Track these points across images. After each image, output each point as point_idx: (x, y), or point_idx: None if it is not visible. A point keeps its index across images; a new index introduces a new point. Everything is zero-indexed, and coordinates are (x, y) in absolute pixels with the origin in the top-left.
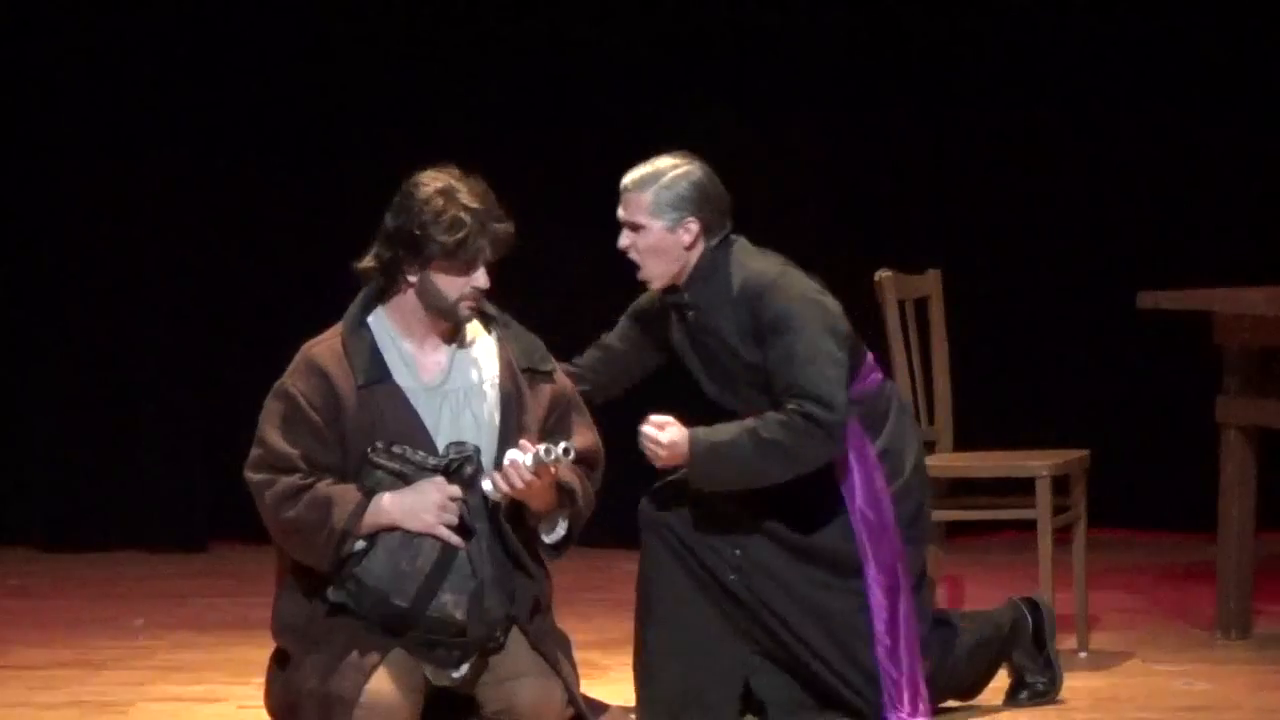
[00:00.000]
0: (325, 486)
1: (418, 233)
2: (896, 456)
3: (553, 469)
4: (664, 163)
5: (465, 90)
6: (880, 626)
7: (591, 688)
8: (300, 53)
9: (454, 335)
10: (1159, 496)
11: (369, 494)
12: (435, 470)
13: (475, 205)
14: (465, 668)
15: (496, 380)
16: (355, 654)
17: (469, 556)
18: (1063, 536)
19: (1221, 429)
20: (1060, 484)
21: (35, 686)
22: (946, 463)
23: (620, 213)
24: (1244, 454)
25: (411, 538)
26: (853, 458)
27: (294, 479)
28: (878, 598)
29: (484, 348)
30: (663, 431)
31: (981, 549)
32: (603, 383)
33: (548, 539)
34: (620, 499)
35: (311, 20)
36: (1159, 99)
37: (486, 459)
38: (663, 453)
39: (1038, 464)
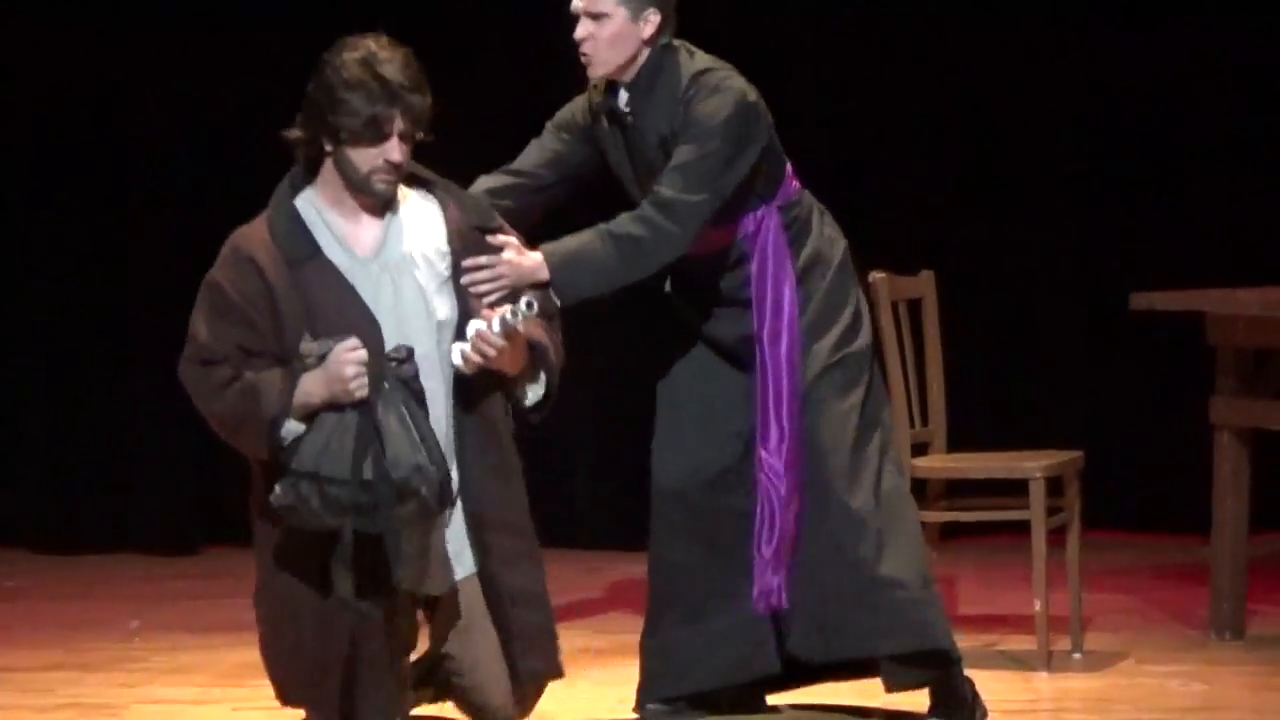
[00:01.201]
0: (252, 376)
1: (327, 101)
2: (822, 263)
3: (520, 329)
4: None
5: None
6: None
7: (589, 688)
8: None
9: (387, 207)
10: (1153, 497)
11: (296, 376)
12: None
13: (390, 75)
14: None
15: (444, 244)
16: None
17: (386, 412)
18: (1056, 538)
19: (1215, 430)
20: (1054, 485)
21: (29, 689)
22: (940, 464)
23: (577, 3)
24: (1238, 455)
25: (342, 415)
26: (770, 271)
27: (225, 371)
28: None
29: (424, 215)
30: (507, 253)
31: (976, 550)
32: (526, 201)
33: (528, 401)
34: (619, 500)
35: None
36: (1150, 99)
37: (437, 329)
38: (504, 268)
39: (1031, 465)
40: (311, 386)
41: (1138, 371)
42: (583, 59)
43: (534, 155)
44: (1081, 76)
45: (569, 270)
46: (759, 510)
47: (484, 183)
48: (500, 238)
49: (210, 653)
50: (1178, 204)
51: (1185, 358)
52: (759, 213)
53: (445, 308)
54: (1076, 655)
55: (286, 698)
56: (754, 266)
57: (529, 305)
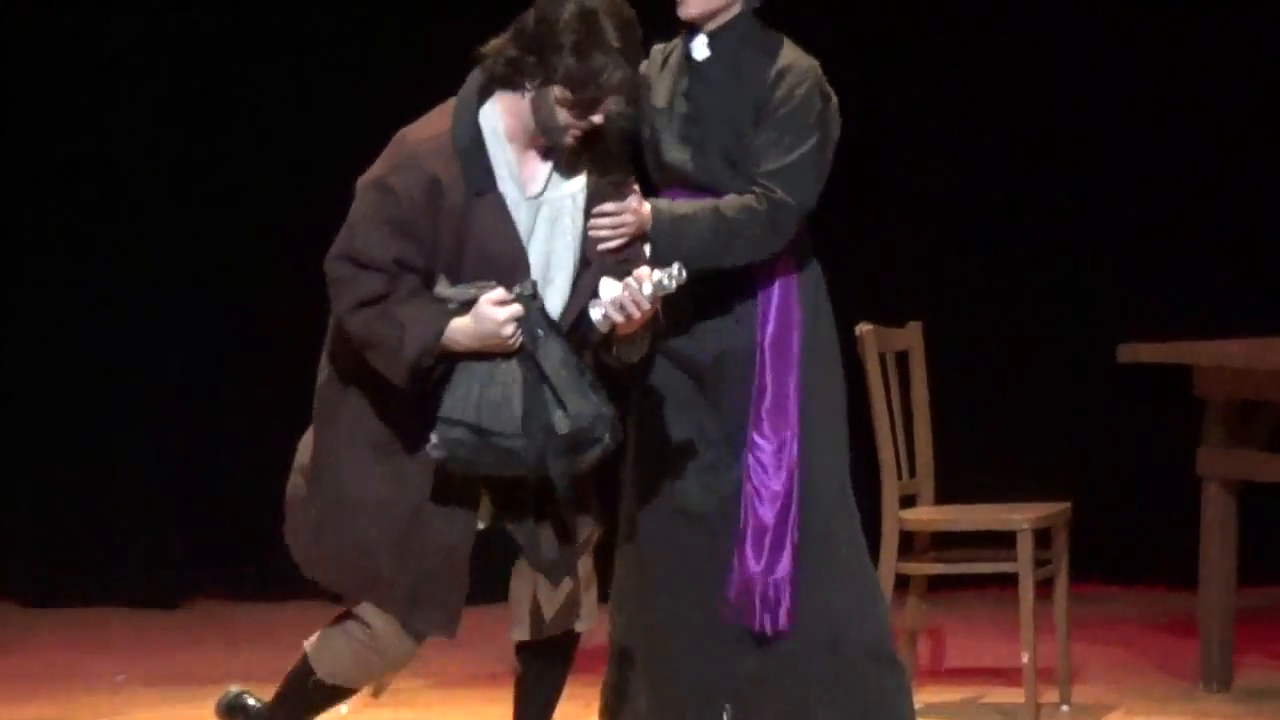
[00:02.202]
0: (400, 305)
1: (553, 49)
2: (820, 289)
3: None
4: None
5: None
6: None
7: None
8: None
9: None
10: (1141, 549)
11: (445, 320)
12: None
13: (615, 44)
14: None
15: (584, 192)
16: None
17: (542, 371)
18: (1044, 589)
19: (1203, 481)
20: (1042, 537)
21: None
22: (928, 516)
23: None
24: (1225, 506)
25: (494, 365)
26: (777, 284)
27: (376, 282)
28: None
29: (574, 157)
30: (631, 200)
31: (964, 602)
32: None
33: (630, 359)
34: None
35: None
36: (1135, 153)
37: (567, 272)
38: (630, 219)
39: (1019, 517)
40: (460, 335)
41: (1125, 423)
42: None
43: None
44: (1068, 131)
45: (671, 235)
46: (743, 517)
47: None
48: (621, 202)
49: (197, 705)
50: (1165, 256)
51: (1172, 409)
52: None
53: (576, 255)
54: (1064, 708)
55: (340, 588)
56: (758, 272)
57: (681, 272)
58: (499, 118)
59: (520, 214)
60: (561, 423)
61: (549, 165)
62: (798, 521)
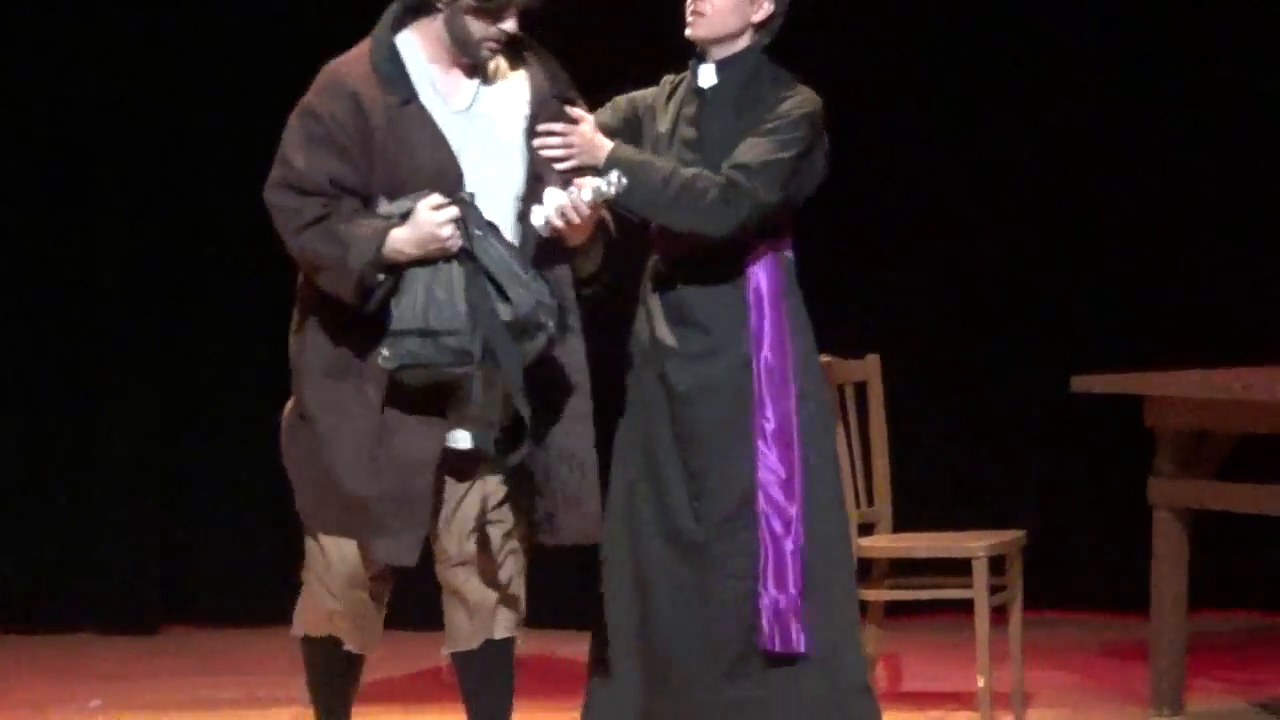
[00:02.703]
0: (343, 223)
1: None
2: (801, 306)
3: (606, 201)
4: None
5: None
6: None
7: None
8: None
9: (475, 59)
10: (1093, 576)
11: (385, 231)
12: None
13: None
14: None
15: (526, 108)
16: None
17: (483, 266)
18: (999, 616)
19: (1154, 510)
20: (996, 564)
21: None
22: (885, 544)
23: None
24: (1176, 534)
25: (435, 269)
26: (768, 305)
27: (315, 206)
28: (771, 461)
29: (513, 75)
30: (582, 123)
31: (920, 628)
32: None
33: (585, 273)
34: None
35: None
36: (1087, 190)
37: (512, 186)
38: (574, 139)
39: (974, 545)
40: (400, 244)
41: (1078, 453)
42: (689, 16)
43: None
44: (1022, 168)
45: (627, 174)
46: (762, 543)
47: None
48: (576, 111)
49: None
50: (1117, 290)
51: (1124, 439)
52: (760, 251)
53: (521, 168)
54: None
55: (321, 526)
56: (751, 293)
57: (619, 179)
58: (417, 41)
59: (449, 128)
60: (505, 311)
61: (476, 82)
62: (805, 545)
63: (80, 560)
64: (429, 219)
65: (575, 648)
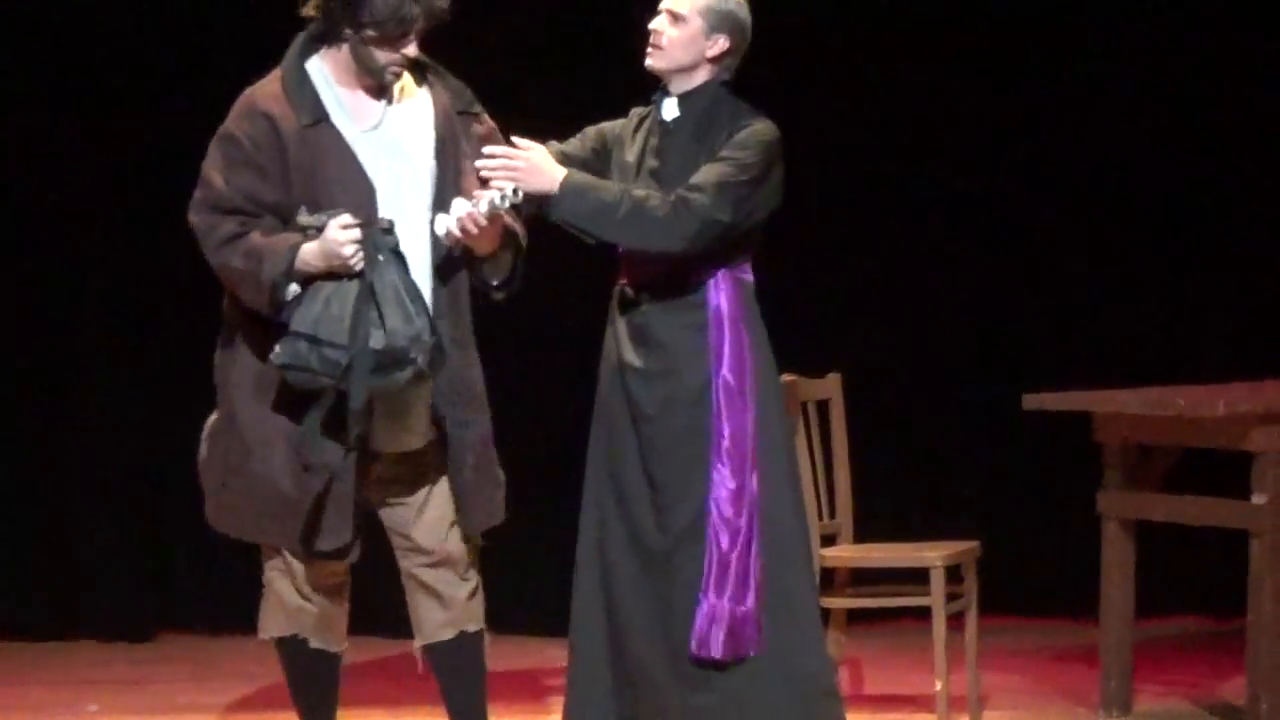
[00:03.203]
0: (259, 237)
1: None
2: (760, 325)
3: (504, 213)
4: None
5: None
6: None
7: None
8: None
9: (381, 81)
10: (1045, 584)
11: (296, 246)
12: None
13: None
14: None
15: (432, 124)
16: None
17: (376, 288)
18: (956, 622)
19: (1102, 520)
20: (953, 573)
21: None
22: (847, 554)
23: (667, 0)
24: (1123, 544)
25: (339, 284)
26: (727, 326)
27: (232, 224)
28: (724, 480)
29: (417, 95)
30: (528, 150)
31: (880, 635)
32: None
33: (495, 280)
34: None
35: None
36: (1039, 218)
37: (423, 199)
38: (520, 164)
39: (932, 555)
40: (310, 257)
41: (1030, 467)
42: (649, 48)
43: (567, 148)
44: (977, 197)
45: (576, 197)
46: (707, 555)
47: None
48: (524, 141)
49: None
50: (1066, 312)
51: (1074, 454)
52: (719, 275)
53: (430, 182)
54: None
55: (241, 532)
56: (711, 315)
57: (515, 192)
58: (325, 66)
59: (359, 146)
60: (377, 338)
61: (383, 102)
62: (760, 556)
63: (75, 569)
64: (335, 236)
65: (555, 655)
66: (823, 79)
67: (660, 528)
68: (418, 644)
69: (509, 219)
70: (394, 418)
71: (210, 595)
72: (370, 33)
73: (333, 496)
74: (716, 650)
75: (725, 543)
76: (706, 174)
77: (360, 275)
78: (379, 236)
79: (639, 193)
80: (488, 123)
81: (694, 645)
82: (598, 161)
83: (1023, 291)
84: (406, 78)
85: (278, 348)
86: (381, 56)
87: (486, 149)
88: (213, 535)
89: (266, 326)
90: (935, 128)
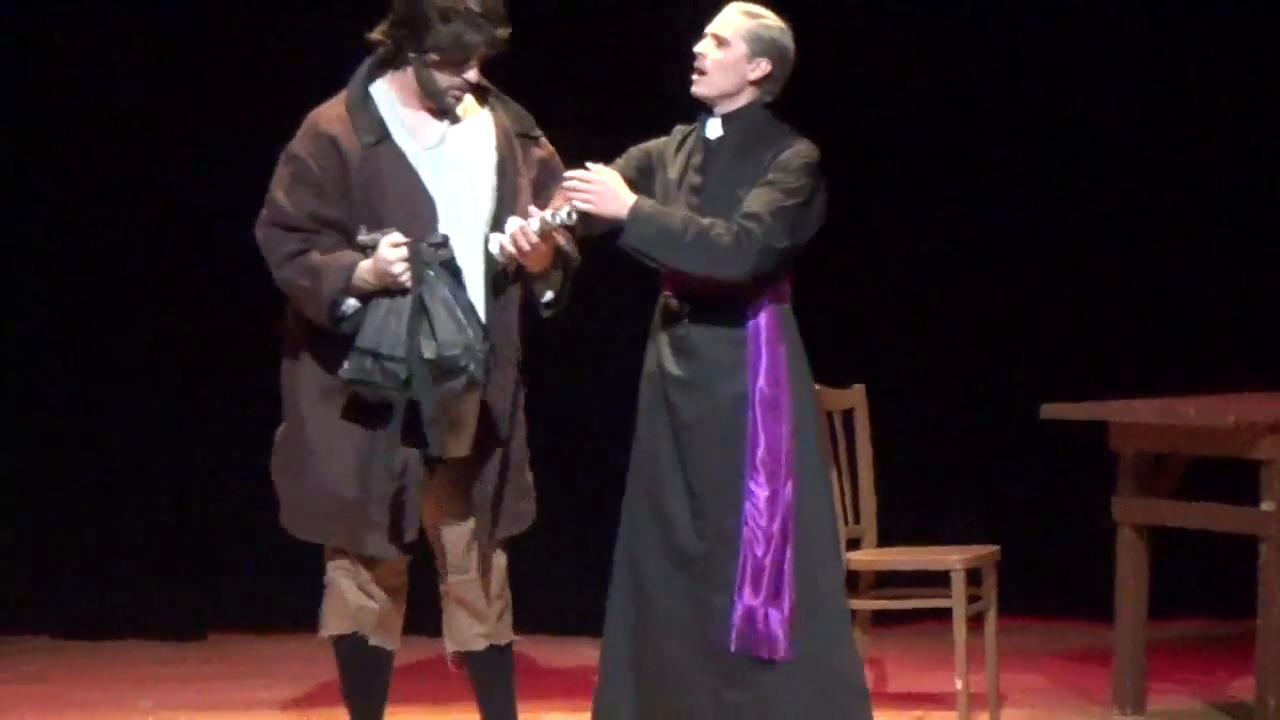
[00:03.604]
0: (319, 255)
1: (421, 23)
2: (797, 338)
3: (555, 232)
4: (772, 16)
5: None
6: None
7: None
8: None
9: (444, 103)
10: (1062, 587)
11: (353, 264)
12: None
13: (477, 8)
14: (467, 380)
15: (492, 144)
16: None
17: (428, 304)
18: (976, 623)
19: (1117, 527)
20: (973, 576)
21: None
22: (871, 557)
23: (713, 26)
24: (1137, 549)
25: (394, 300)
26: (764, 341)
27: (295, 241)
28: (759, 488)
29: (478, 116)
30: (602, 175)
31: (903, 635)
32: None
33: (544, 297)
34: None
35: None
36: (1054, 233)
37: (482, 215)
38: (595, 188)
39: (953, 559)
40: (365, 274)
41: (1048, 474)
42: (694, 73)
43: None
44: (995, 211)
45: (644, 223)
46: (741, 559)
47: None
48: (599, 165)
49: None
50: (1083, 325)
51: (1090, 462)
52: (760, 291)
53: (489, 200)
54: None
55: (312, 535)
56: (749, 330)
57: (569, 214)
58: (390, 88)
59: (421, 163)
60: (429, 349)
61: (445, 122)
62: (793, 561)
63: (132, 571)
64: (384, 255)
65: (584, 653)
66: (841, 92)
67: (698, 533)
68: (450, 648)
69: (561, 239)
70: (449, 425)
71: (259, 596)
72: (433, 57)
73: (400, 500)
74: (753, 649)
75: (760, 548)
76: (759, 202)
77: (412, 290)
78: (428, 252)
79: (704, 221)
80: (547, 146)
81: (733, 643)
82: (643, 180)
83: (1041, 306)
84: (469, 99)
85: (345, 364)
86: (443, 80)
87: (570, 172)
88: (261, 538)
89: (330, 338)
90: (946, 139)
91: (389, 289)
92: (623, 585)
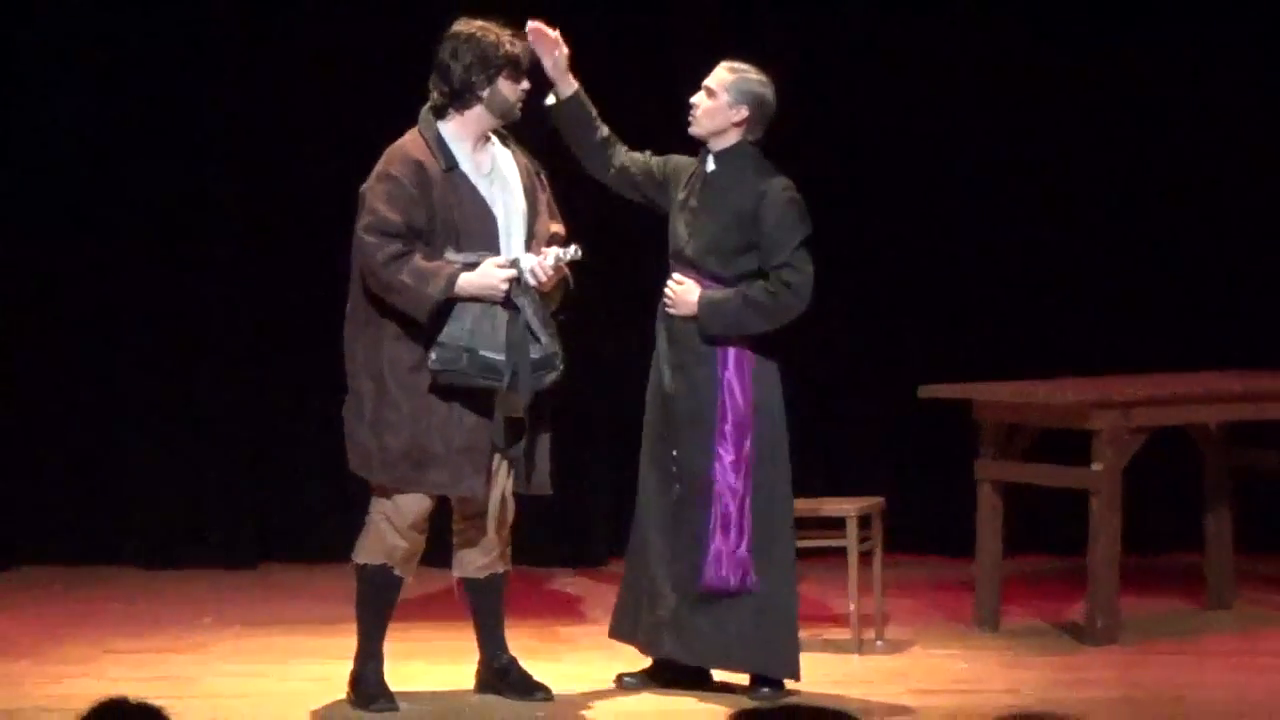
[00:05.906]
0: (421, 260)
1: (485, 57)
2: (763, 345)
3: (563, 265)
4: (755, 71)
5: None
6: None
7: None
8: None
9: (487, 141)
10: (935, 531)
11: (455, 274)
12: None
13: (506, 30)
14: (552, 376)
15: (520, 175)
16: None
17: (524, 316)
18: (865, 560)
19: (979, 482)
20: (864, 521)
21: (132, 666)
22: None
23: (707, 80)
24: (994, 500)
25: (486, 307)
26: (735, 337)
27: (397, 245)
28: (726, 455)
29: (504, 150)
30: (681, 285)
31: (809, 569)
32: (621, 167)
33: (550, 307)
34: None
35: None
36: (933, 230)
37: (523, 231)
38: (677, 298)
39: (848, 507)
40: (466, 285)
41: (925, 439)
42: (690, 117)
43: (642, 157)
44: (882, 207)
45: (710, 314)
46: (713, 510)
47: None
48: (679, 275)
49: (264, 639)
50: (957, 313)
51: (957, 430)
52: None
53: (526, 219)
54: (879, 642)
55: (388, 480)
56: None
57: (577, 251)
58: (452, 128)
59: (483, 187)
60: (536, 349)
61: (489, 155)
62: (751, 511)
63: (193, 509)
64: (494, 273)
65: (562, 581)
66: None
67: (679, 483)
68: (456, 574)
69: (565, 269)
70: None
71: (309, 529)
72: (506, 72)
73: (474, 454)
74: (719, 582)
75: (727, 499)
76: (780, 247)
77: (503, 302)
78: (523, 273)
79: (752, 295)
80: (548, 189)
81: (705, 576)
82: (660, 192)
83: (919, 297)
84: (496, 141)
85: (433, 354)
86: (512, 94)
87: (669, 285)
88: (307, 484)
89: (416, 326)
90: (846, 140)
91: (478, 299)
92: (637, 524)
